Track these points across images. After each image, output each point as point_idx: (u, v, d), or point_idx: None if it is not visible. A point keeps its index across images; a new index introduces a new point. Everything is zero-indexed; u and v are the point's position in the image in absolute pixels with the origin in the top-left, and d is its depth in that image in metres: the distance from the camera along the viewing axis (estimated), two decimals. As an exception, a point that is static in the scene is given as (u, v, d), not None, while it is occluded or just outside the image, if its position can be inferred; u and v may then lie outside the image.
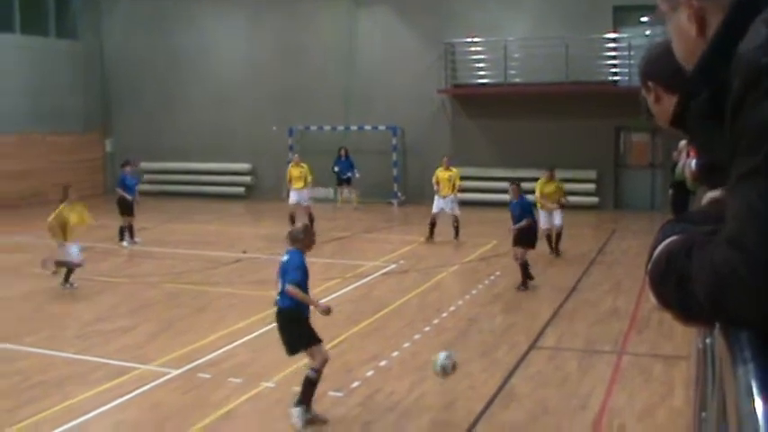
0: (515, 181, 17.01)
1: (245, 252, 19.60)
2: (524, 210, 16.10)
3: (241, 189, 31.84)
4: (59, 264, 16.23)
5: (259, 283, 15.92)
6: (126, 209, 21.27)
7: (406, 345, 12.26)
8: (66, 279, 16.26)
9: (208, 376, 10.98)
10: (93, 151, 33.73)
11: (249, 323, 13.50)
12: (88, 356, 11.99)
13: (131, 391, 10.41)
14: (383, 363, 11.39)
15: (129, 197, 21.24)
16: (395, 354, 11.82)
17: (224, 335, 12.89)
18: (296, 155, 24.74)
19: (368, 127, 29.67)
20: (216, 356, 11.84)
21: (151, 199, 31.80)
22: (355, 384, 10.47)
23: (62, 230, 16.13)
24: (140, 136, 33.59)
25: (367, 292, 15.98)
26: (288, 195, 23.17)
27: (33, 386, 10.75)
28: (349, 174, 28.25)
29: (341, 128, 30.02)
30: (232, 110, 31.82)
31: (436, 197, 21.30)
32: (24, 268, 18.64)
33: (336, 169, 28.38)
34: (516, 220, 16.05)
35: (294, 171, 23.17)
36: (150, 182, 33.39)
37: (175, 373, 11.14)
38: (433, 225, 21.26)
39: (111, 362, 11.68)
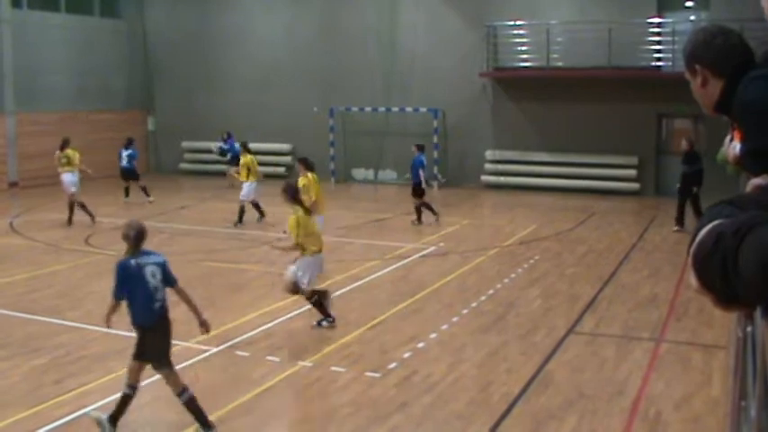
0: None
1: (285, 232, 19.66)
2: None
3: (282, 169, 31.93)
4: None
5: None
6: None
7: (444, 327, 12.28)
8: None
9: (246, 354, 11.07)
10: (135, 129, 33.96)
11: (287, 303, 13.57)
12: (127, 332, 12.07)
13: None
14: (421, 344, 11.42)
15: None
16: (433, 336, 11.84)
17: (262, 314, 12.99)
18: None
19: (409, 109, 29.63)
20: (254, 335, 11.93)
21: (192, 178, 32.07)
22: (392, 365, 10.50)
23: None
24: (181, 115, 33.83)
25: (406, 274, 16.01)
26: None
27: (76, 360, 10.93)
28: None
29: (382, 109, 30.01)
30: (273, 90, 31.90)
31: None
32: (65, 244, 18.89)
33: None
34: None
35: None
36: (191, 161, 33.65)
37: (214, 350, 11.24)
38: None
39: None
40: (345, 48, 30.71)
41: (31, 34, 30.25)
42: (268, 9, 32.33)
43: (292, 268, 12.12)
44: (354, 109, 30.53)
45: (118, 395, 9.26)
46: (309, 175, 15.57)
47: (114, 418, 8.40)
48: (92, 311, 13.26)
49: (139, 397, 9.63)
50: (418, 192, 21.23)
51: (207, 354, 11.09)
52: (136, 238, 8.57)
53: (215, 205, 25.07)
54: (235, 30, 32.76)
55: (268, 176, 31.31)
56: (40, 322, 12.66)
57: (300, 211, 12.05)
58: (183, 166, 33.88)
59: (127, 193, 25.69)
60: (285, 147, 32.01)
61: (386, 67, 30.15)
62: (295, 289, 12.13)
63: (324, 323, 12.16)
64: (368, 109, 30.20)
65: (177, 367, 10.49)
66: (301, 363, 10.65)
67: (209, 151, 31.66)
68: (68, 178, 21.56)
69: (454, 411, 9.08)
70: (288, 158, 32.03)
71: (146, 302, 8.36)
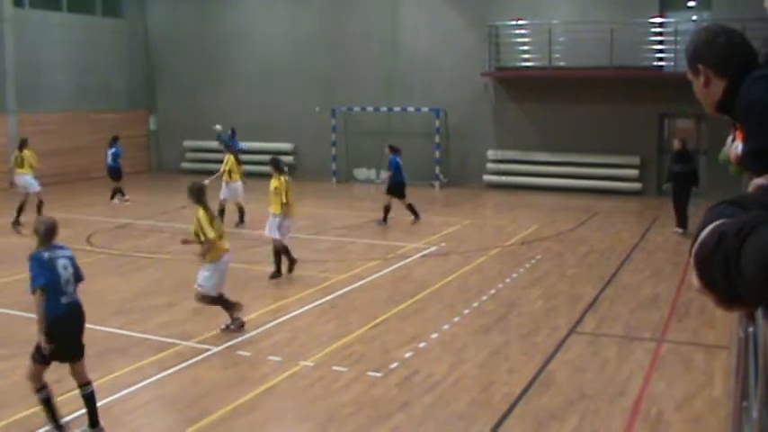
0: None
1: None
2: None
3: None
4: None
5: (298, 263, 15.97)
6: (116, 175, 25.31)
7: (446, 327, 12.28)
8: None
9: (247, 354, 11.08)
10: (137, 129, 34.02)
11: (287, 302, 13.61)
12: (129, 332, 12.15)
13: (172, 367, 10.55)
14: (422, 344, 11.42)
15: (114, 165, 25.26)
16: (434, 335, 11.84)
17: (263, 313, 13.00)
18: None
19: (410, 109, 29.63)
20: (255, 335, 11.93)
21: (193, 177, 32.00)
22: (394, 365, 10.51)
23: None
24: (183, 114, 33.84)
25: (407, 274, 16.01)
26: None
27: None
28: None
29: (384, 109, 30.00)
30: (275, 90, 31.91)
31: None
32: (67, 243, 18.86)
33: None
34: None
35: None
36: (192, 160, 33.63)
37: (216, 349, 11.25)
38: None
39: (152, 337, 11.84)
40: (347, 47, 30.71)
41: (33, 33, 30.24)
42: (269, 8, 32.32)
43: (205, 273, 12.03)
44: (356, 109, 30.53)
45: (116, 396, 9.32)
46: (282, 177, 15.49)
47: (91, 422, 8.57)
48: (92, 311, 13.26)
49: (140, 396, 9.65)
50: (401, 191, 21.33)
51: (208, 353, 11.10)
52: (45, 232, 8.91)
53: (215, 205, 25.02)
54: (236, 28, 32.77)
55: (268, 176, 31.31)
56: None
57: (201, 212, 11.87)
58: (185, 165, 33.86)
59: (113, 195, 25.43)
60: (287, 146, 32.00)
61: (387, 67, 30.14)
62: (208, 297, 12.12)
63: (232, 326, 12.06)
64: (369, 109, 30.19)
65: (181, 366, 10.55)
66: (303, 362, 10.65)
67: (213, 150, 31.67)
68: (21, 180, 21.48)
69: (456, 411, 9.08)
70: (290, 158, 32.04)
71: (56, 295, 8.42)
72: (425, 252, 17.84)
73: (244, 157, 30.00)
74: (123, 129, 32.62)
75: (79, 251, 17.78)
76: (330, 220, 21.22)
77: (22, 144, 21.84)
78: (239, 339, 11.62)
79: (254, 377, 10.17)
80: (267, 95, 31.98)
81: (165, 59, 34.61)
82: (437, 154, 29.19)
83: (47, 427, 8.62)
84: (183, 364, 10.67)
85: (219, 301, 12.11)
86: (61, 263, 8.60)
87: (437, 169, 29.15)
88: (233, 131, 28.89)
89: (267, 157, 31.34)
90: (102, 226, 21.13)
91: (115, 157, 25.25)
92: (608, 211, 23.79)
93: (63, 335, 8.48)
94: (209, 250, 11.75)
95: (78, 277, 8.83)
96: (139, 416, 9.28)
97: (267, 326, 12.35)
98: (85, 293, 14.32)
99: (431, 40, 29.49)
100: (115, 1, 34.16)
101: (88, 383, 8.63)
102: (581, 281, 15.34)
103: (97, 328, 12.24)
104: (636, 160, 27.00)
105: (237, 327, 12.02)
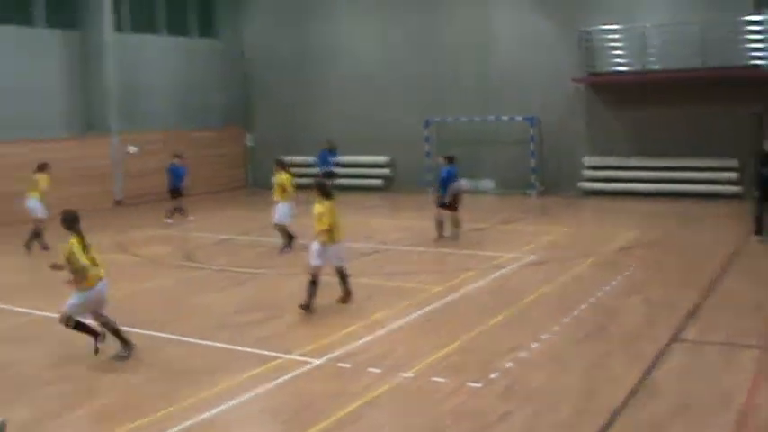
0: None
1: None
2: None
3: (379, 181, 32.18)
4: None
5: (395, 275, 16.10)
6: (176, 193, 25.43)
7: (545, 336, 12.21)
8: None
9: (347, 366, 11.19)
10: (234, 146, 34.68)
11: (386, 314, 13.69)
12: (231, 345, 12.37)
13: (274, 380, 10.71)
14: (522, 354, 11.38)
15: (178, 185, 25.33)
16: (534, 345, 11.79)
17: (362, 326, 13.10)
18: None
19: (504, 117, 29.54)
20: (355, 347, 12.04)
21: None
22: (494, 375, 10.51)
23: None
24: (279, 130, 34.36)
25: (504, 283, 15.97)
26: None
27: (181, 373, 11.20)
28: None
29: (477, 118, 29.98)
30: (369, 103, 32.15)
31: None
32: (167, 260, 19.40)
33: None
34: None
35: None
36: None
37: (316, 362, 11.39)
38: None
39: (254, 351, 12.02)
40: (439, 58, 30.81)
41: (133, 56, 31.19)
42: (363, 22, 32.64)
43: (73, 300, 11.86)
44: (449, 119, 30.58)
45: (220, 408, 9.56)
46: (326, 202, 14.54)
47: None
48: (195, 325, 13.60)
49: (244, 409, 9.85)
50: (452, 205, 20.64)
51: (309, 366, 11.25)
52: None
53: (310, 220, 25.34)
54: (331, 44, 33.17)
55: (365, 189, 31.67)
56: (145, 336, 13.01)
57: (74, 240, 11.65)
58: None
59: (171, 214, 25.22)
60: (382, 159, 32.25)
61: (480, 76, 30.12)
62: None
63: (99, 344, 12.06)
64: (463, 118, 30.21)
65: (283, 379, 10.72)
66: (402, 374, 10.72)
67: (310, 165, 32.21)
68: (28, 203, 21.08)
69: (557, 421, 9.04)
70: (386, 171, 32.26)
71: None
72: (522, 262, 17.77)
73: (339, 170, 30.47)
74: (221, 146, 33.43)
75: (182, 267, 18.31)
76: (427, 231, 21.24)
77: (41, 167, 21.47)
78: (339, 352, 11.74)
79: (355, 389, 10.27)
80: (362, 109, 32.26)
81: (260, 77, 35.24)
82: (532, 162, 29.05)
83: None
84: (285, 377, 10.84)
85: (81, 327, 12.00)
86: None
87: (533, 178, 29.00)
88: (328, 150, 29.27)
89: (363, 171, 32.01)
90: (202, 242, 21.59)
91: (177, 175, 25.36)
92: (707, 216, 23.35)
93: None
94: (83, 279, 11.57)
95: None
96: (244, 428, 9.49)
97: (366, 338, 12.44)
98: (189, 308, 14.76)
99: (522, 47, 29.40)
100: (211, 22, 34.99)
101: None
102: (681, 288, 15.08)
103: (201, 342, 12.56)
104: (734, 163, 26.42)
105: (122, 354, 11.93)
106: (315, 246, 14.31)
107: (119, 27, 30.91)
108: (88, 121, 30.48)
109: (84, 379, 11.22)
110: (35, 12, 29.13)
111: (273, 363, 11.42)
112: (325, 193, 14.59)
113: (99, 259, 11.88)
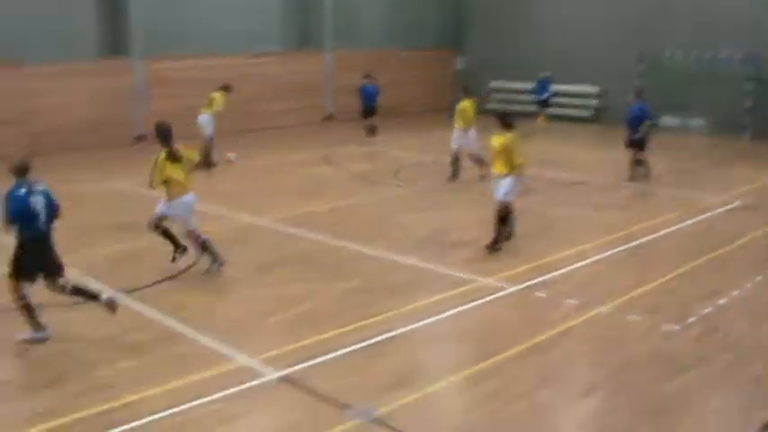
0: None
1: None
2: None
3: (587, 112, 31.58)
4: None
5: (600, 208, 15.90)
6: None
7: (748, 285, 11.82)
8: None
9: (543, 295, 11.22)
10: (444, 68, 34.69)
11: (587, 248, 13.57)
12: (429, 265, 12.63)
13: (467, 303, 10.88)
14: (722, 300, 11.08)
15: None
16: (735, 292, 11.44)
17: (563, 257, 13.02)
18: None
19: (723, 54, 28.18)
20: (553, 277, 12.04)
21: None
22: (691, 319, 10.30)
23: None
24: (491, 54, 34.01)
25: (709, 227, 15.45)
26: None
27: (381, 287, 11.55)
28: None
29: (693, 54, 28.76)
30: (582, 33, 31.38)
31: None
32: (374, 176, 19.85)
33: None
34: None
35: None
36: (499, 101, 33.85)
37: (512, 289, 11.48)
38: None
39: (451, 272, 12.23)
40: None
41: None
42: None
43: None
44: (667, 53, 29.50)
45: (415, 326, 9.84)
46: (507, 134, 13.27)
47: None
48: (396, 242, 13.95)
49: (437, 328, 10.12)
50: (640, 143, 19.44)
51: (504, 292, 11.35)
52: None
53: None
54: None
55: (573, 119, 31.17)
56: (349, 249, 13.48)
57: (163, 153, 11.89)
58: (491, 105, 34.12)
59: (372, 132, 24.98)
60: (592, 89, 31.58)
61: (695, 10, 28.82)
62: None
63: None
64: (678, 54, 29.08)
65: (478, 302, 10.90)
66: (599, 308, 10.68)
67: (517, 91, 32.04)
68: (199, 119, 21.11)
69: (754, 374, 8.81)
70: (594, 101, 31.61)
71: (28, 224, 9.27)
72: (730, 206, 17.13)
73: (531, 97, 30.29)
74: (430, 67, 33.50)
75: (386, 184, 18.72)
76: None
77: (224, 87, 21.52)
78: (537, 281, 11.78)
79: (549, 318, 10.31)
80: (574, 39, 31.50)
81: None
82: (748, 103, 27.67)
83: (354, 347, 9.25)
84: (480, 301, 11.00)
85: (166, 234, 12.46)
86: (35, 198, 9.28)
87: (746, 119, 27.67)
88: (546, 79, 29.02)
89: (572, 101, 31.48)
90: (405, 162, 21.92)
91: (368, 94, 24.91)
92: None
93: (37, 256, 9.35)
94: (166, 190, 11.98)
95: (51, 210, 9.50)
96: (436, 346, 9.72)
97: (565, 269, 12.40)
98: (388, 226, 15.11)
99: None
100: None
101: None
102: None
103: (398, 259, 12.90)
104: None
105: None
106: (504, 181, 13.24)
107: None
108: (303, 37, 31.27)
109: (285, 283, 11.77)
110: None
111: (469, 285, 11.59)
112: (508, 124, 13.39)
113: (186, 176, 12.01)
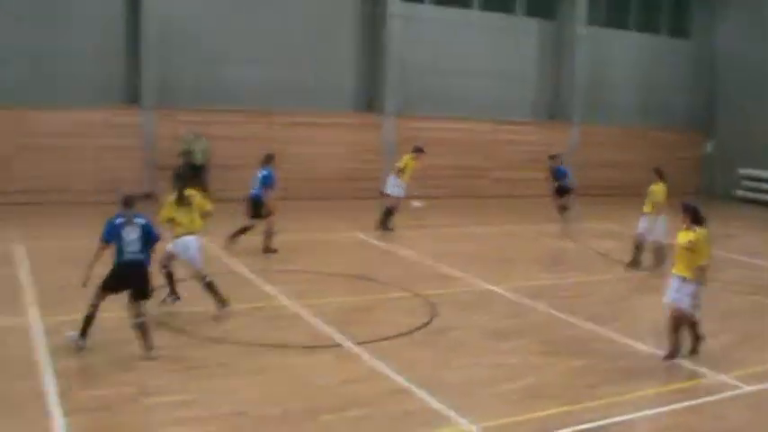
0: None
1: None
2: None
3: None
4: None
5: None
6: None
7: None
8: None
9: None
10: (691, 150, 33.88)
11: None
12: (661, 351, 12.02)
13: (696, 398, 10.39)
14: None
15: None
16: None
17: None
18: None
19: None
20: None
21: (744, 206, 31.12)
22: None
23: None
24: (740, 139, 32.87)
25: None
26: None
27: (609, 370, 11.29)
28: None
29: None
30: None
31: None
32: (613, 254, 19.51)
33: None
34: None
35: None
36: (747, 188, 32.60)
37: (747, 389, 10.84)
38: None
39: (683, 363, 11.66)
40: None
41: (603, 50, 31.65)
42: None
43: None
44: None
45: (639, 414, 9.46)
46: (698, 229, 11.71)
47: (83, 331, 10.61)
48: (628, 325, 13.59)
49: (661, 421, 9.70)
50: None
51: (739, 391, 10.73)
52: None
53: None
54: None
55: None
56: (582, 327, 13.31)
57: (172, 196, 12.84)
58: (739, 192, 32.85)
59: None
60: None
61: None
62: None
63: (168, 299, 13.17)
64: None
65: (702, 399, 10.31)
66: None
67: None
68: (392, 180, 21.27)
69: None
70: None
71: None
72: None
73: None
74: (678, 149, 32.82)
75: (622, 264, 18.26)
76: None
77: (416, 149, 21.52)
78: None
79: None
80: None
81: (727, 81, 33.99)
82: None
83: (576, 427, 9.10)
84: (710, 398, 10.41)
85: (168, 277, 13.06)
86: (129, 228, 10.54)
87: None
88: None
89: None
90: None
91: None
92: None
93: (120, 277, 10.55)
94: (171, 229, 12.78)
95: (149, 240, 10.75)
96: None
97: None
98: (626, 307, 14.73)
99: None
100: (683, 22, 34.44)
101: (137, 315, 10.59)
102: None
103: (630, 343, 12.51)
104: None
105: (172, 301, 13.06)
106: (692, 289, 11.60)
107: (591, 20, 31.47)
108: (551, 109, 31.45)
109: (516, 353, 11.79)
110: (518, 0, 30.59)
111: (700, 379, 11.11)
112: (698, 218, 11.82)
113: (192, 219, 12.78)
